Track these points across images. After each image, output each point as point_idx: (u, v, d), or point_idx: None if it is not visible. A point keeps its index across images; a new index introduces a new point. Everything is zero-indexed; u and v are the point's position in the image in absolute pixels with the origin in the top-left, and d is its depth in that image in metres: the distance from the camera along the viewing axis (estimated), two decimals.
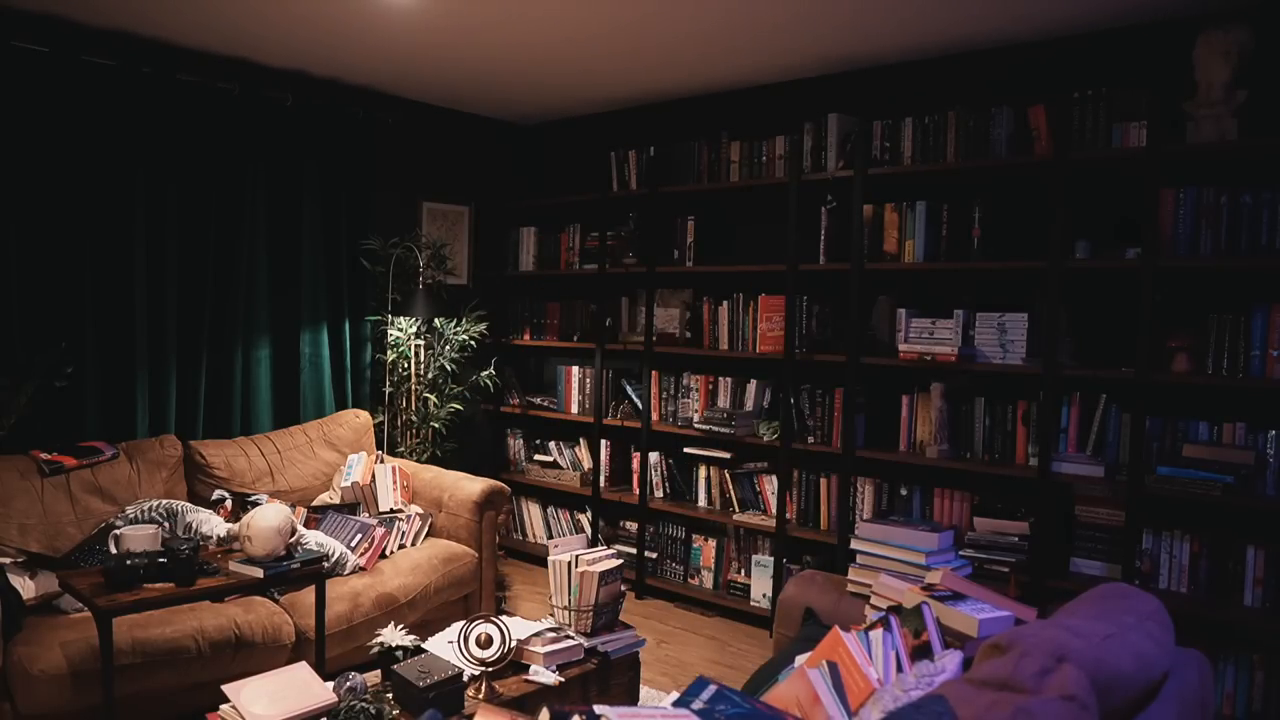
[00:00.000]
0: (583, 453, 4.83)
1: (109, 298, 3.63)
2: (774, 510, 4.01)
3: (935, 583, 2.37)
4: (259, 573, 2.74)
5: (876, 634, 1.89)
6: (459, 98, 4.68)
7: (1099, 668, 1.38)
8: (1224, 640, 2.94)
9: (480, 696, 2.34)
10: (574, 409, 4.82)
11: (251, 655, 2.92)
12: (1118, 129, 3.14)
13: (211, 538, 3.14)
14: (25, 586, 2.82)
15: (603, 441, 4.63)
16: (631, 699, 2.80)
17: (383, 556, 3.54)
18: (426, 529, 3.78)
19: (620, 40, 3.62)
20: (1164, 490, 2.99)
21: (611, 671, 2.68)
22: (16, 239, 3.39)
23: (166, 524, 3.15)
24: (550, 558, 2.75)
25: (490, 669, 2.36)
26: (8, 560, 2.91)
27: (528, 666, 2.51)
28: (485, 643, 2.34)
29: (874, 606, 2.61)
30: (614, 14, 3.30)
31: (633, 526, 4.52)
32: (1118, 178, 3.25)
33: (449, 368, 4.45)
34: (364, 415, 4.19)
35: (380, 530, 3.54)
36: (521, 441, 5.12)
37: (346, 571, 3.35)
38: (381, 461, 3.90)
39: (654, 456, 4.47)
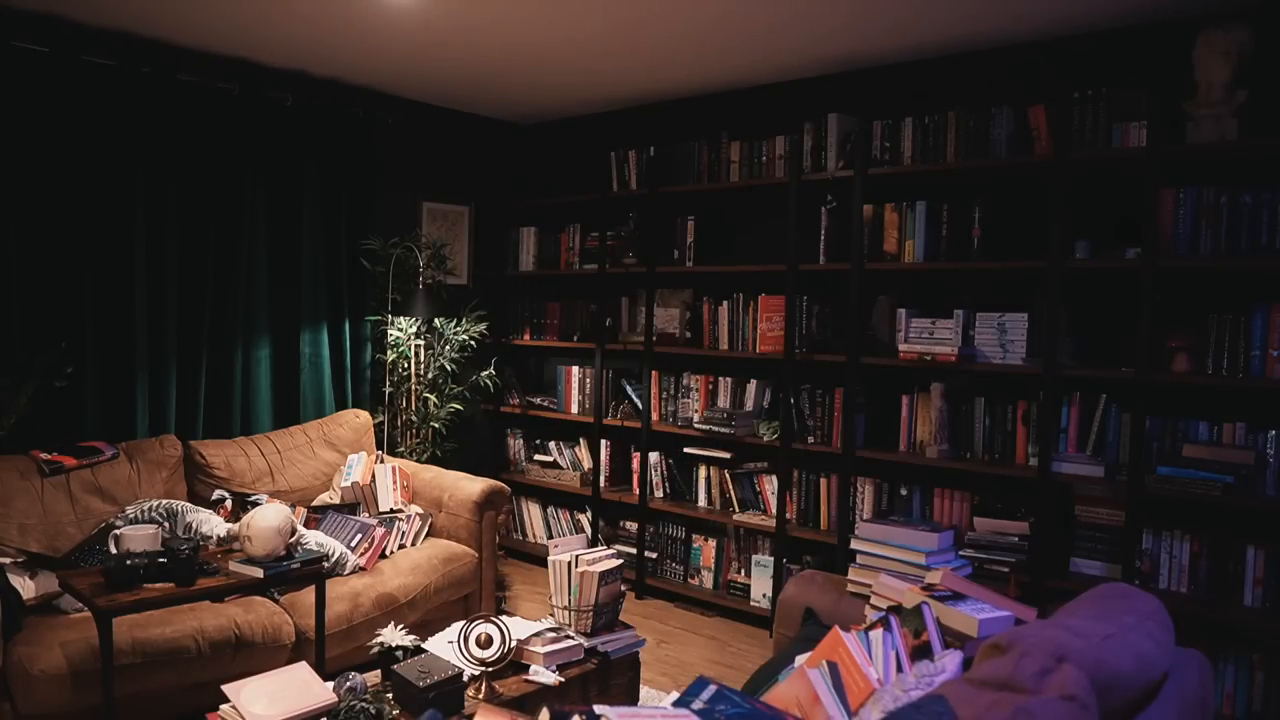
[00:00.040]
0: (583, 453, 4.83)
1: (109, 298, 3.63)
2: (774, 510, 4.01)
3: (935, 583, 2.37)
4: (259, 573, 2.74)
5: (876, 634, 1.89)
6: (459, 98, 4.68)
7: (1099, 668, 1.38)
8: (1224, 640, 2.94)
9: (480, 696, 2.34)
10: (574, 409, 4.82)
11: (251, 655, 2.92)
12: (1118, 129, 3.14)
13: (211, 538, 3.14)
14: (25, 586, 2.82)
15: (603, 441, 4.63)
16: (631, 699, 2.80)
17: (383, 556, 3.54)
18: (426, 529, 3.78)
19: (620, 40, 3.62)
20: (1164, 490, 2.99)
21: (611, 671, 2.68)
22: (16, 239, 3.39)
23: (166, 524, 3.15)
24: (550, 558, 2.75)
25: (490, 669, 2.36)
26: (8, 560, 2.91)
27: (528, 666, 2.51)
28: (485, 643, 2.34)
29: (874, 606, 2.61)
30: (614, 14, 3.30)
31: (633, 526, 4.52)
32: (1118, 178, 3.25)
33: (449, 368, 4.45)
34: (364, 415, 4.19)
35: (380, 530, 3.54)
36: (521, 441, 5.12)
37: (346, 571, 3.35)
38: (381, 461, 3.90)
39: (654, 456, 4.47)
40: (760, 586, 4.04)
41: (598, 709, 1.30)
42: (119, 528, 2.94)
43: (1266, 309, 2.88)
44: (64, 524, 3.16)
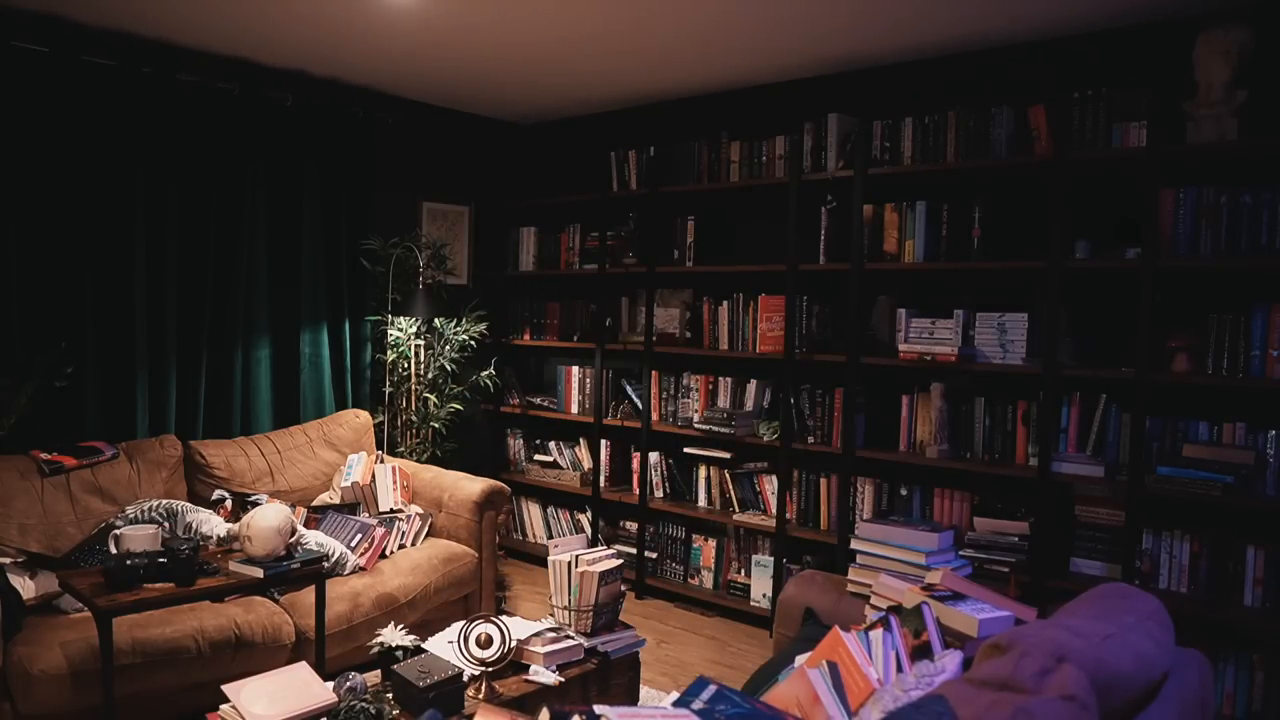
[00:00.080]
0: (583, 453, 4.83)
1: (109, 297, 3.63)
2: (774, 510, 4.01)
3: (935, 583, 2.37)
4: (259, 573, 2.74)
5: (876, 634, 1.89)
6: (459, 97, 4.68)
7: (1099, 668, 1.38)
8: (1224, 640, 2.94)
9: (480, 696, 2.34)
10: (574, 409, 4.82)
11: (251, 655, 2.92)
12: (1118, 129, 3.14)
13: (211, 538, 3.14)
14: (25, 586, 2.82)
15: (603, 441, 4.63)
16: (631, 699, 2.80)
17: (383, 556, 3.54)
18: (426, 529, 3.78)
19: (620, 40, 3.62)
20: (1164, 490, 2.99)
21: (611, 671, 2.68)
22: (16, 239, 3.39)
23: (166, 524, 3.15)
24: (550, 558, 2.75)
25: (490, 669, 2.36)
26: (8, 560, 2.91)
27: (528, 666, 2.51)
28: (485, 643, 2.34)
29: (874, 606, 2.61)
30: (614, 14, 3.30)
31: (633, 526, 4.52)
32: (1118, 178, 3.25)
33: (449, 368, 4.45)
34: (364, 415, 4.19)
35: (380, 530, 3.54)
36: (521, 441, 5.12)
37: (346, 571, 3.35)
38: (381, 461, 3.90)
39: (654, 456, 4.47)
40: (760, 586, 4.04)
41: (598, 709, 1.30)
42: (119, 528, 2.94)
43: (1266, 309, 2.88)
44: (64, 524, 3.16)
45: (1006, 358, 3.37)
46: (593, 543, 4.48)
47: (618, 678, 2.72)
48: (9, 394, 3.28)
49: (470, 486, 3.81)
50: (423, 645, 2.50)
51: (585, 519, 4.74)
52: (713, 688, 1.55)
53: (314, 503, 3.78)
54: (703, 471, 4.32)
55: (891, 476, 3.72)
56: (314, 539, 3.28)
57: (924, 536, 2.93)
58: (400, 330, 4.37)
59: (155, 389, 3.76)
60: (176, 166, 3.78)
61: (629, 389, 4.60)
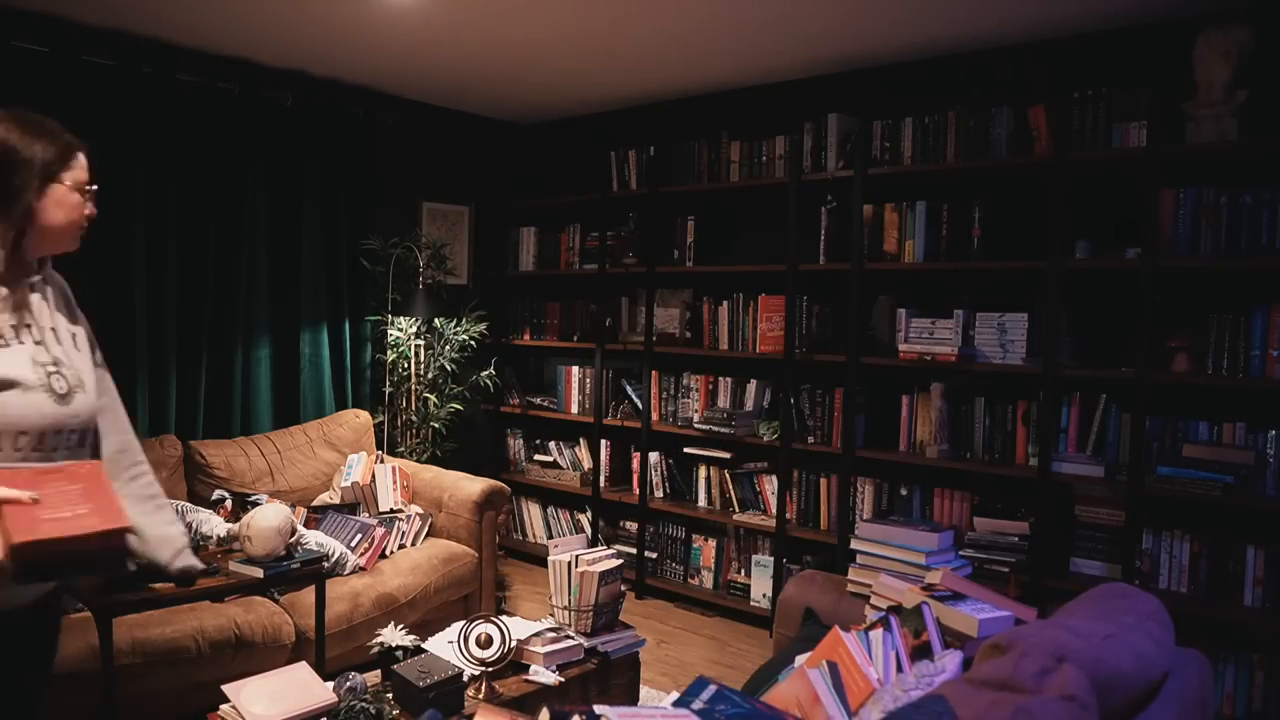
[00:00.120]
0: (583, 453, 4.83)
1: (109, 297, 3.63)
2: (774, 510, 4.01)
3: (935, 583, 2.37)
4: (259, 573, 2.73)
5: (876, 634, 1.89)
6: (459, 98, 4.68)
7: (1099, 668, 1.38)
8: (1224, 640, 2.94)
9: (480, 696, 2.34)
10: (574, 409, 4.82)
11: (251, 655, 2.92)
12: (1118, 129, 3.14)
13: (211, 538, 3.14)
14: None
15: (603, 441, 4.63)
16: (631, 699, 2.80)
17: (383, 556, 3.54)
18: (426, 529, 3.78)
19: (620, 40, 3.62)
20: (1164, 490, 2.99)
21: (611, 671, 2.68)
22: None
23: None
24: (550, 558, 2.75)
25: (490, 669, 2.36)
26: None
27: (528, 666, 2.51)
28: (485, 643, 2.34)
29: (874, 606, 2.61)
30: (614, 13, 3.30)
31: (633, 526, 4.52)
32: (1118, 178, 3.25)
33: (449, 368, 4.45)
34: (364, 415, 4.19)
35: (380, 530, 3.54)
36: (521, 441, 5.12)
37: (346, 571, 3.35)
38: (381, 461, 3.90)
39: (654, 456, 4.46)
40: (760, 586, 4.04)
41: (598, 709, 1.30)
42: None
43: (1266, 309, 2.88)
44: None
45: (1006, 358, 3.37)
46: (593, 543, 4.47)
47: (618, 678, 2.72)
48: None
49: (470, 486, 3.81)
50: (423, 645, 2.49)
51: (585, 519, 4.74)
52: (713, 688, 1.55)
53: (314, 503, 3.78)
54: (703, 471, 4.32)
55: (891, 476, 3.71)
56: (314, 539, 3.28)
57: (924, 536, 2.93)
58: (400, 330, 4.37)
59: (155, 389, 3.76)
60: (176, 166, 3.78)
61: (629, 389, 4.60)
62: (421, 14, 3.34)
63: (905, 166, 3.62)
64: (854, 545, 3.04)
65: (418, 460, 4.35)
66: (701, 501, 4.34)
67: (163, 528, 1.88)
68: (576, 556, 2.73)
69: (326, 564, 3.23)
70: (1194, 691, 1.65)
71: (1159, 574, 3.08)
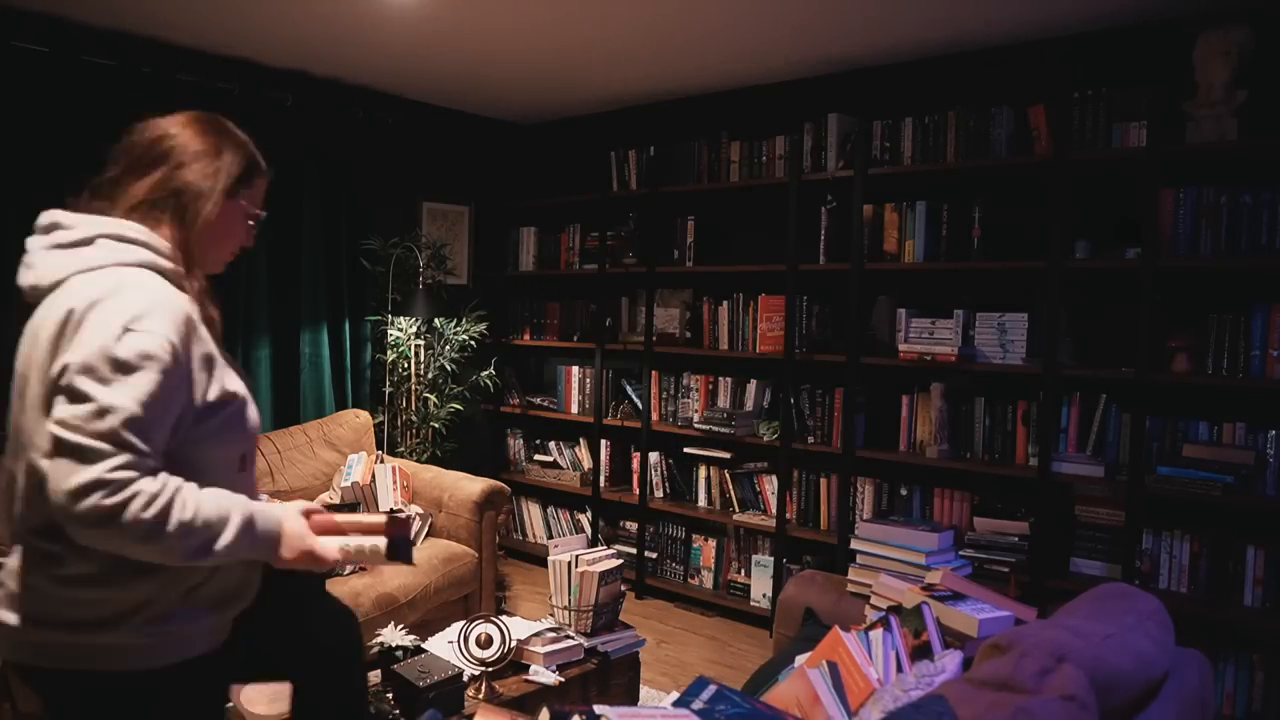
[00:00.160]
0: (583, 453, 4.83)
1: None
2: (774, 510, 4.01)
3: (935, 583, 2.37)
4: None
5: (876, 634, 1.90)
6: (459, 98, 4.68)
7: (1099, 668, 1.38)
8: (1224, 640, 2.94)
9: (480, 696, 2.34)
10: (574, 409, 4.82)
11: None
12: (1118, 129, 3.14)
13: None
14: None
15: (603, 441, 4.62)
16: (631, 699, 2.80)
17: None
18: (426, 529, 3.78)
19: (620, 40, 3.62)
20: (1164, 490, 2.99)
21: (611, 671, 2.68)
22: (16, 238, 3.38)
23: None
24: (550, 558, 2.75)
25: (490, 669, 2.36)
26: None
27: (528, 666, 2.51)
28: (485, 643, 2.34)
29: (874, 606, 2.61)
30: (614, 13, 3.30)
31: (633, 526, 4.52)
32: (1118, 178, 3.25)
33: (449, 368, 4.45)
34: (364, 415, 4.19)
35: None
36: (521, 441, 5.12)
37: (346, 571, 3.35)
38: (381, 461, 3.90)
39: (654, 456, 4.46)
40: (760, 586, 4.04)
41: (598, 709, 1.30)
42: None
43: (1266, 309, 2.88)
44: None
45: (1006, 358, 3.37)
46: (593, 543, 4.48)
47: (618, 678, 2.72)
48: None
49: (470, 486, 3.81)
50: (423, 645, 2.49)
51: (585, 519, 4.74)
52: (713, 688, 1.55)
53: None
54: (703, 471, 4.32)
55: (891, 476, 3.71)
56: None
57: (924, 536, 2.93)
58: (400, 330, 4.37)
59: None
60: None
61: (629, 389, 4.60)
62: (422, 14, 3.34)
63: (905, 166, 3.62)
64: (854, 545, 3.04)
65: (418, 460, 4.35)
66: (701, 501, 4.34)
67: None
68: (576, 556, 2.73)
69: None
70: (1194, 691, 1.65)
71: (1159, 574, 3.08)
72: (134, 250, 1.47)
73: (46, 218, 1.59)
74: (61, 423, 1.27)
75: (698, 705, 1.50)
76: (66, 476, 1.25)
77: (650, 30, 3.48)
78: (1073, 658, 1.37)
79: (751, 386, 4.16)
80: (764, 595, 4.02)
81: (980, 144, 3.44)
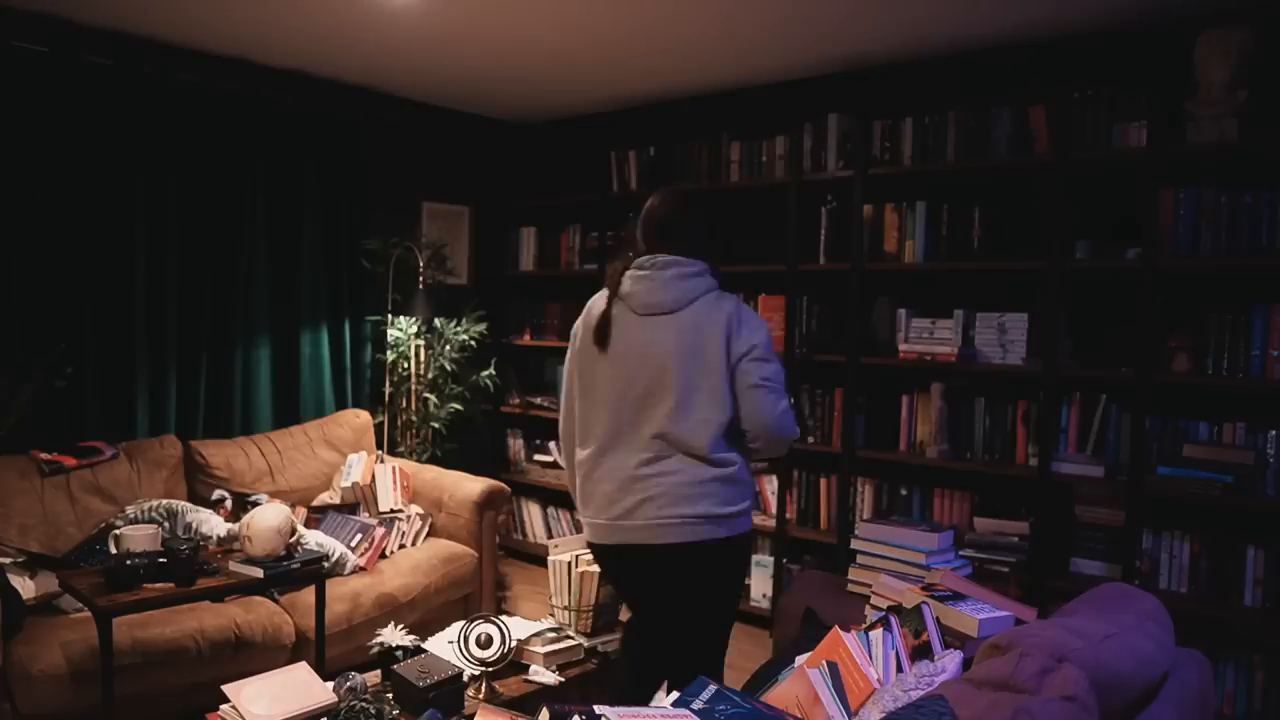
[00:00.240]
0: None
1: (109, 297, 3.63)
2: (774, 510, 4.01)
3: (935, 583, 2.37)
4: (259, 573, 2.74)
5: (876, 634, 1.89)
6: (459, 98, 4.68)
7: (1099, 668, 1.38)
8: (1224, 640, 2.94)
9: (480, 696, 2.34)
10: None
11: (251, 655, 2.92)
12: (1118, 129, 3.14)
13: (211, 538, 3.14)
14: (25, 586, 2.82)
15: None
16: None
17: (383, 556, 3.54)
18: (426, 529, 3.78)
19: (620, 40, 3.62)
20: (1164, 490, 2.99)
21: (611, 671, 2.68)
22: (17, 238, 3.39)
23: (166, 524, 3.15)
24: (550, 558, 2.75)
25: (490, 669, 2.36)
26: (8, 560, 2.91)
27: (528, 666, 2.51)
28: (485, 643, 2.34)
29: (874, 606, 2.61)
30: (614, 14, 3.30)
31: None
32: (1118, 178, 3.25)
33: (449, 368, 4.45)
34: (364, 415, 4.19)
35: (380, 530, 3.54)
36: (521, 441, 5.12)
37: (346, 571, 3.35)
38: (382, 461, 3.89)
39: None
40: (760, 586, 4.04)
41: (598, 709, 1.30)
42: (119, 528, 2.94)
43: (1266, 309, 2.88)
44: (64, 524, 3.16)
45: (1006, 358, 3.37)
46: None
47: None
48: (9, 394, 3.28)
49: (470, 486, 3.81)
50: (423, 645, 2.50)
51: None
52: (713, 687, 1.55)
53: (314, 503, 3.78)
54: None
55: (891, 476, 3.71)
56: (314, 539, 3.28)
57: (924, 536, 2.93)
58: (400, 330, 4.37)
59: (155, 389, 3.76)
60: (176, 166, 3.78)
61: None
62: (422, 14, 3.34)
63: (905, 166, 3.62)
64: (854, 545, 3.04)
65: (418, 460, 4.35)
66: None
67: None
68: (576, 556, 2.73)
69: (326, 564, 3.23)
70: (1194, 691, 1.65)
71: (1159, 574, 3.08)
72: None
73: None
74: (765, 379, 2.13)
75: (698, 705, 1.50)
76: (774, 405, 2.12)
77: (650, 30, 3.48)
78: (1073, 658, 1.37)
79: None
80: (764, 595, 4.02)
81: (980, 144, 3.44)
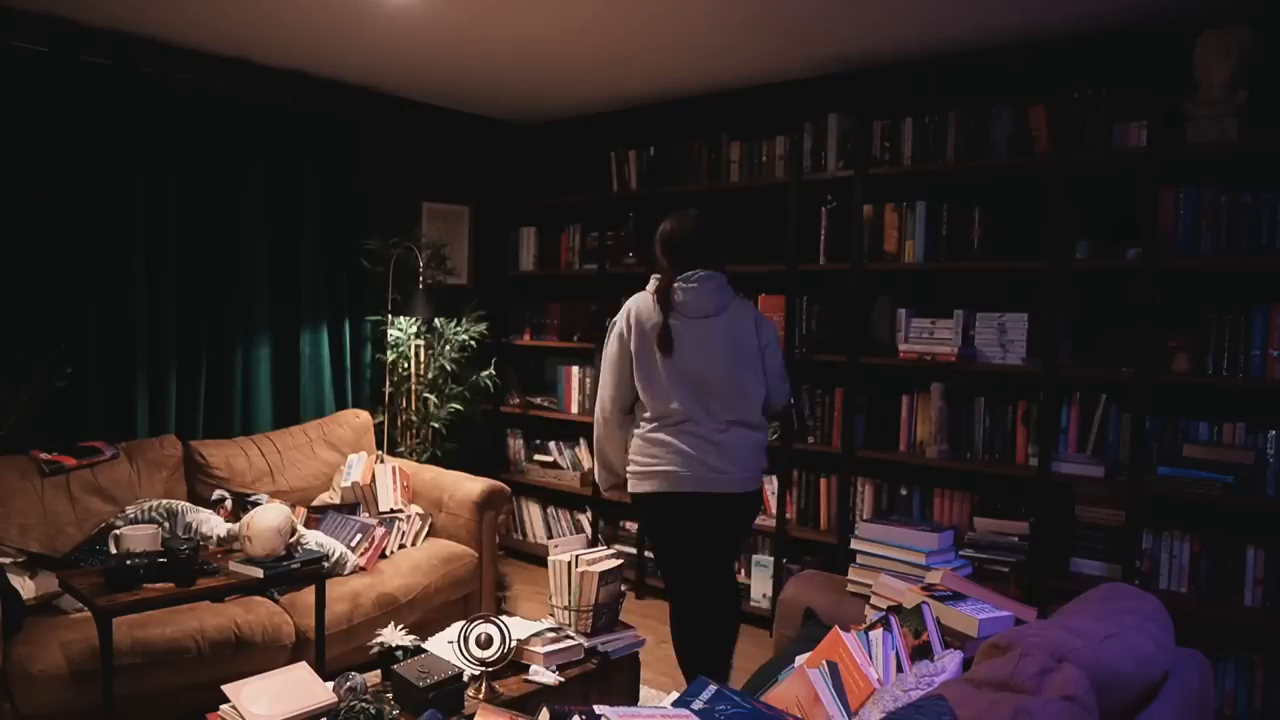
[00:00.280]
0: (583, 453, 4.83)
1: (109, 297, 3.63)
2: (774, 510, 4.01)
3: (935, 583, 2.37)
4: (259, 573, 2.74)
5: (876, 634, 1.89)
6: (459, 97, 4.68)
7: (1099, 668, 1.38)
8: (1224, 640, 2.94)
9: (480, 696, 2.34)
10: (574, 409, 4.82)
11: (251, 655, 2.92)
12: (1118, 129, 3.14)
13: (211, 538, 3.14)
14: (25, 586, 2.82)
15: None
16: (631, 699, 2.80)
17: (383, 556, 3.54)
18: (426, 529, 3.78)
19: (620, 40, 3.62)
20: (1164, 490, 2.99)
21: (611, 671, 2.68)
22: (16, 238, 3.39)
23: (166, 524, 3.15)
24: (550, 558, 2.75)
25: (490, 669, 2.36)
26: (8, 560, 2.91)
27: (528, 666, 2.51)
28: (485, 643, 2.34)
29: (874, 606, 2.61)
30: (614, 14, 3.30)
31: (633, 526, 4.52)
32: (1118, 178, 3.25)
33: (449, 368, 4.45)
34: (364, 415, 4.19)
35: (380, 530, 3.54)
36: (521, 441, 5.12)
37: (346, 571, 3.35)
38: (382, 461, 3.89)
39: None
40: (760, 586, 4.04)
41: (598, 709, 1.30)
42: (119, 528, 2.94)
43: (1266, 309, 2.88)
44: (64, 524, 3.16)
45: (1006, 358, 3.37)
46: (593, 543, 4.47)
47: (618, 678, 2.72)
48: (9, 394, 3.28)
49: (470, 486, 3.81)
50: (423, 645, 2.49)
51: (585, 519, 4.74)
52: (713, 688, 1.55)
53: (314, 503, 3.78)
54: None
55: (891, 476, 3.71)
56: (314, 539, 3.28)
57: (924, 536, 2.93)
58: (400, 330, 4.37)
59: (155, 389, 3.76)
60: (176, 165, 3.78)
61: None
62: (422, 14, 3.34)
63: (905, 166, 3.62)
64: (854, 545, 3.04)
65: (418, 460, 4.35)
66: None
67: None
68: (576, 556, 2.73)
69: (326, 564, 3.23)
70: (1194, 691, 1.65)
71: (1159, 574, 3.08)
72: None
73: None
74: (780, 363, 2.91)
75: (698, 705, 1.50)
76: (785, 382, 2.96)
77: (650, 30, 3.48)
78: (1073, 658, 1.37)
79: None
80: (764, 595, 4.02)
81: (980, 144, 3.44)
